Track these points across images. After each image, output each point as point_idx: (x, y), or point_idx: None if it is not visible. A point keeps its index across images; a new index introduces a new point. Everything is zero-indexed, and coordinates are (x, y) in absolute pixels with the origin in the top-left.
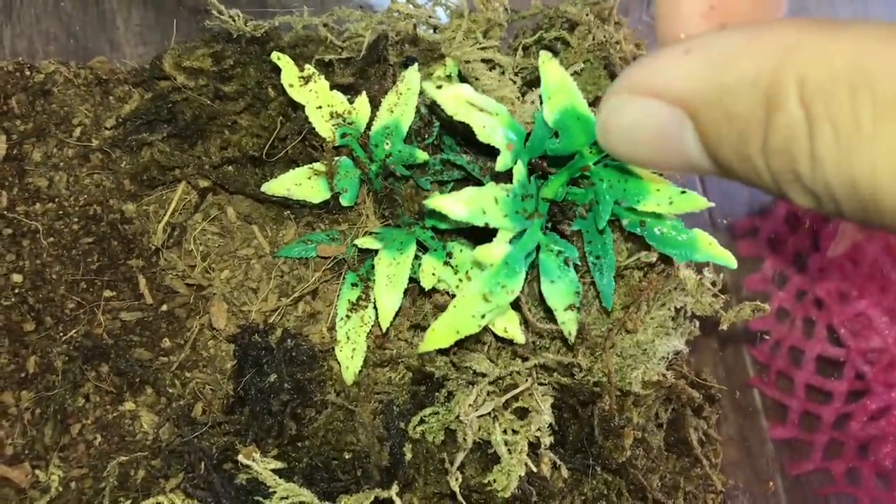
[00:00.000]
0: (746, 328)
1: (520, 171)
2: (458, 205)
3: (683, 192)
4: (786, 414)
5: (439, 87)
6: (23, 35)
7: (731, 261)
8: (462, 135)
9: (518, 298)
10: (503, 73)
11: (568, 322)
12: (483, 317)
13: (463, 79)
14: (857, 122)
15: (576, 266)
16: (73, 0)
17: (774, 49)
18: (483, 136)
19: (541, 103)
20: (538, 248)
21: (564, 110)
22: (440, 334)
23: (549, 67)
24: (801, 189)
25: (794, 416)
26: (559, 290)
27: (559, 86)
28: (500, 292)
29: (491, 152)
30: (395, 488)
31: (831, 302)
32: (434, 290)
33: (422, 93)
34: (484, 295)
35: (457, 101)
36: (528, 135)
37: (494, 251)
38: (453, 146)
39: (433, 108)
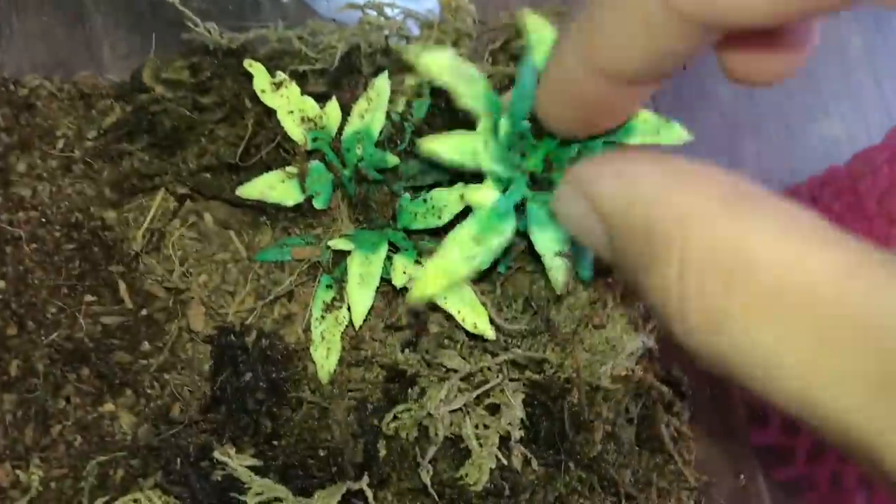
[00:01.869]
0: None
1: (504, 125)
2: (448, 146)
3: (667, 121)
4: (767, 419)
5: (417, 55)
6: (11, 61)
7: None
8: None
9: (485, 304)
10: None
11: (556, 268)
12: (474, 259)
13: (433, 87)
14: (727, 306)
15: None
16: (61, 26)
17: (671, 216)
18: (463, 100)
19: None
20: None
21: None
22: (429, 281)
23: (532, 20)
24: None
25: (776, 420)
26: (549, 237)
27: (543, 35)
28: (490, 234)
29: None
30: (365, 479)
31: None
32: (405, 288)
33: (391, 101)
34: (475, 237)
35: (437, 65)
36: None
37: (485, 193)
38: None
39: (406, 114)
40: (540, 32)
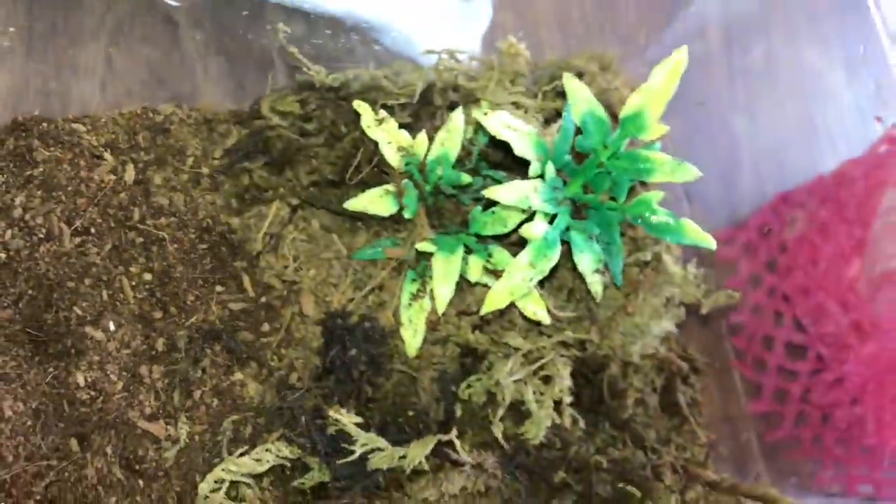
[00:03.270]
0: (727, 322)
1: (550, 169)
2: (508, 193)
3: (680, 163)
4: (761, 391)
5: (485, 113)
6: (119, 81)
7: (711, 242)
8: (494, 161)
9: (542, 295)
10: (527, 112)
11: (594, 283)
12: (531, 280)
13: None
14: None
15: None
16: (159, 51)
17: None
18: (518, 150)
19: (557, 128)
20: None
21: (586, 112)
22: (498, 297)
23: (572, 83)
24: None
25: (768, 393)
26: (587, 258)
27: (580, 95)
28: (542, 260)
29: (518, 172)
30: (454, 431)
31: (796, 296)
32: (477, 283)
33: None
34: (530, 263)
35: (499, 123)
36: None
37: (536, 228)
38: (486, 167)
39: (473, 139)
40: (578, 93)
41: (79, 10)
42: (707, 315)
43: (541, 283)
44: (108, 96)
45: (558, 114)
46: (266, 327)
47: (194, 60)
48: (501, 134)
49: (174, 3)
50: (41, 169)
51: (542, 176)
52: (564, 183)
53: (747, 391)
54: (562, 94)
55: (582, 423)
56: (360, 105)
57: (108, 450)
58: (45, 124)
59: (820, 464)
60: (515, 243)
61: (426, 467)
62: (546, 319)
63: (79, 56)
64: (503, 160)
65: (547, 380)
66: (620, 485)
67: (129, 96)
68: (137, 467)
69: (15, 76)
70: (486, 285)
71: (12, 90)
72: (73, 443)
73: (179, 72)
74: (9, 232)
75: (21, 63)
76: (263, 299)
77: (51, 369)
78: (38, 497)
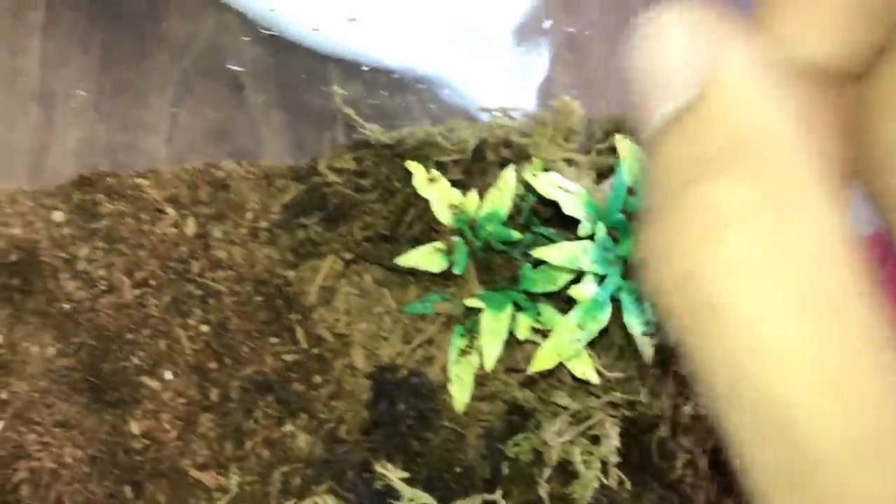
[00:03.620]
0: None
1: (601, 229)
2: (557, 253)
3: None
4: None
5: (535, 175)
6: (185, 136)
7: None
8: (545, 217)
9: (592, 356)
10: (580, 168)
11: (644, 345)
12: (579, 341)
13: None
14: None
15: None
16: (224, 106)
17: None
18: (568, 210)
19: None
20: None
21: (638, 174)
22: (545, 357)
23: (623, 145)
24: None
25: None
26: (637, 321)
27: (632, 157)
28: (591, 321)
29: (569, 228)
30: (499, 492)
31: None
32: (526, 340)
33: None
34: (578, 324)
35: (548, 184)
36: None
37: (585, 289)
38: (537, 224)
39: (524, 196)
40: (630, 155)
41: (146, 70)
42: None
43: (590, 343)
44: (173, 151)
45: (612, 169)
46: (318, 379)
47: (258, 120)
48: (551, 195)
49: (240, 69)
50: (105, 222)
51: (592, 236)
52: (616, 241)
53: None
54: (614, 150)
55: (629, 485)
56: (411, 164)
57: (161, 498)
58: (109, 179)
59: None
60: (567, 300)
61: None
62: (595, 379)
63: (145, 113)
64: (554, 216)
65: (595, 440)
66: None
67: (194, 151)
68: None
69: (85, 133)
70: (535, 342)
71: (83, 145)
72: (128, 490)
73: (243, 129)
74: (72, 283)
75: (91, 121)
76: (315, 351)
77: (108, 417)
78: None
